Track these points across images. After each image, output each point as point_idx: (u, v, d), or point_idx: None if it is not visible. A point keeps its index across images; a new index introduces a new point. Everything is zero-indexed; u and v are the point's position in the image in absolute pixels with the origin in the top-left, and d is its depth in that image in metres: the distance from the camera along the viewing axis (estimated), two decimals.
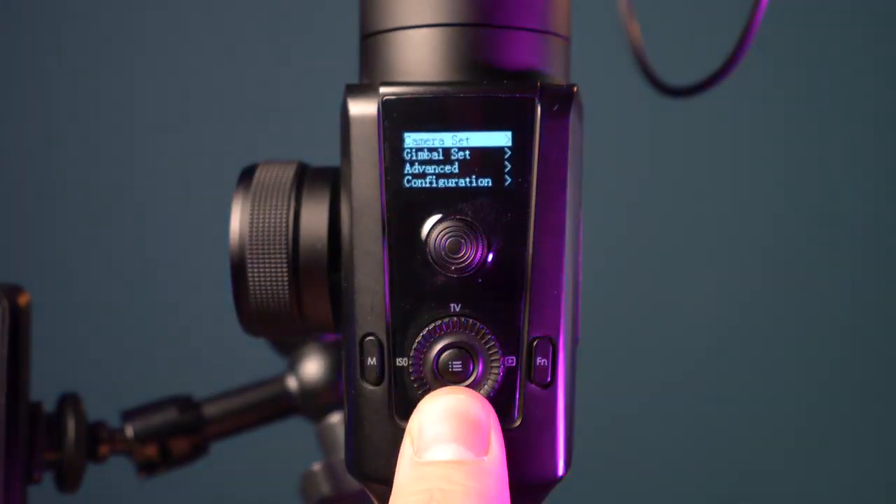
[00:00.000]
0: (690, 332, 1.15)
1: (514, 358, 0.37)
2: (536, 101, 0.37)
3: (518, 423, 0.37)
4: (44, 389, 0.51)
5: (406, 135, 0.37)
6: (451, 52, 0.38)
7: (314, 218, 0.39)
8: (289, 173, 0.40)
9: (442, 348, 0.36)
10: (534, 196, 0.36)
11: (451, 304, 0.37)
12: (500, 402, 0.36)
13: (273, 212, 0.39)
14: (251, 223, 0.39)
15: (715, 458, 1.16)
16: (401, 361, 0.37)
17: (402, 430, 0.37)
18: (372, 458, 0.37)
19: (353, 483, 0.54)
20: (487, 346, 0.36)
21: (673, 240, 1.16)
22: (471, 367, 0.36)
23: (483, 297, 0.37)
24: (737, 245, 1.16)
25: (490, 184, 0.37)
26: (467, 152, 0.37)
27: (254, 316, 0.40)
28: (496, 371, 0.36)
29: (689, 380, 1.15)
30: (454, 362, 0.36)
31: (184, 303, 1.10)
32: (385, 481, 0.37)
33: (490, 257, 0.36)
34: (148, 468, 0.54)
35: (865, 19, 1.16)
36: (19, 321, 0.47)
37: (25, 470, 0.48)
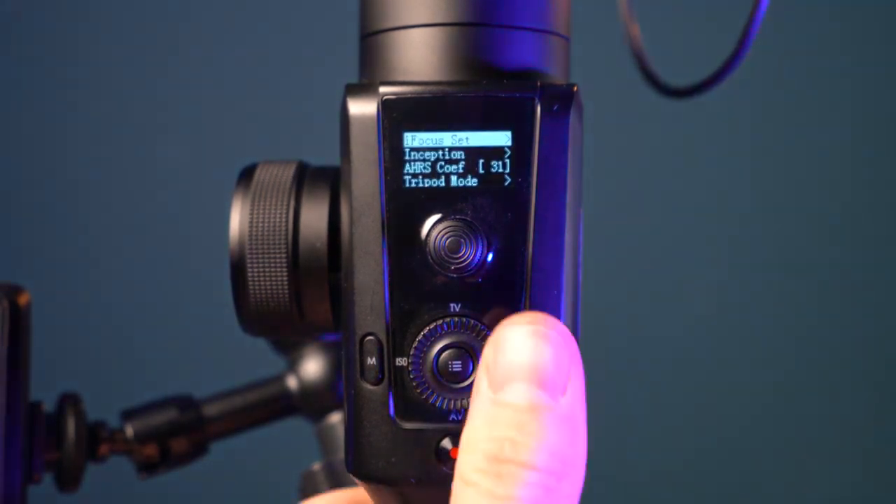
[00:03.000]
0: (691, 332, 1.15)
1: None
2: (536, 100, 0.37)
3: None
4: (44, 389, 0.51)
5: (406, 134, 0.37)
6: (450, 51, 0.38)
7: (314, 218, 0.39)
8: (288, 173, 0.40)
9: (441, 348, 0.36)
10: (534, 196, 0.36)
11: (451, 304, 0.37)
12: None
13: (273, 211, 0.39)
14: (251, 223, 0.39)
15: (715, 457, 1.16)
16: (400, 361, 0.37)
17: (402, 430, 0.37)
18: (372, 458, 0.37)
19: (352, 483, 0.54)
20: None
21: (673, 240, 1.16)
22: (470, 367, 0.36)
23: (483, 297, 0.36)
24: (737, 245, 1.16)
25: (490, 184, 0.37)
26: (467, 152, 0.37)
27: (253, 316, 0.40)
28: None
29: (690, 380, 1.15)
30: (454, 362, 0.36)
31: (184, 303, 1.10)
32: (385, 481, 0.37)
33: (490, 257, 0.36)
34: (148, 468, 0.54)
35: (867, 19, 1.16)
36: (19, 321, 0.47)
37: (25, 470, 0.48)
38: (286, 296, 0.39)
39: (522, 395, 0.33)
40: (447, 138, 0.37)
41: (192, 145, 1.12)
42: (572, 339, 0.34)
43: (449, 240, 0.36)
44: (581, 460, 0.34)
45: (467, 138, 0.37)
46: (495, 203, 0.36)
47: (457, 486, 0.33)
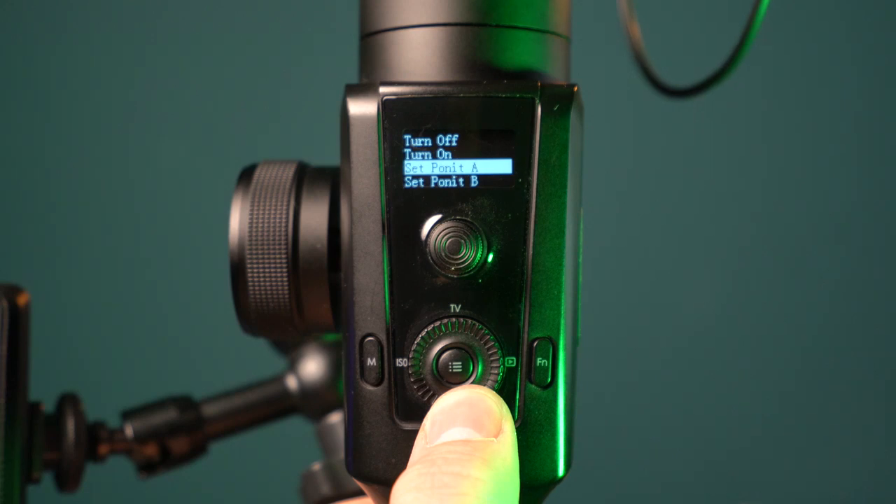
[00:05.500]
0: (690, 332, 1.15)
1: (514, 358, 0.37)
2: (537, 100, 0.36)
3: (518, 423, 0.36)
4: (44, 389, 0.51)
5: (406, 135, 0.37)
6: (450, 51, 0.38)
7: (314, 218, 0.39)
8: (288, 173, 0.40)
9: (442, 349, 0.36)
10: (534, 196, 0.36)
11: (451, 305, 0.37)
12: None
13: (273, 211, 0.39)
14: (251, 223, 0.39)
15: (715, 457, 1.16)
16: (401, 362, 0.37)
17: (402, 431, 0.37)
18: (372, 459, 0.37)
19: (353, 483, 0.54)
20: (487, 347, 0.36)
21: (673, 239, 1.16)
22: (471, 368, 0.36)
23: (483, 297, 0.36)
24: (736, 245, 1.16)
25: (490, 184, 0.37)
26: (467, 152, 0.37)
27: (253, 316, 0.40)
28: (496, 372, 0.36)
29: (689, 379, 1.15)
30: (454, 363, 0.36)
31: (184, 303, 1.10)
32: (385, 482, 0.37)
33: (490, 258, 0.36)
34: (148, 468, 0.54)
35: (867, 20, 1.16)
36: (19, 321, 0.47)
37: (25, 470, 0.48)
38: (286, 296, 0.39)
39: (457, 434, 0.34)
40: (447, 139, 0.37)
41: (193, 145, 1.12)
42: (502, 400, 0.35)
43: (449, 240, 0.36)
44: (514, 495, 0.34)
45: (467, 139, 0.37)
46: (495, 203, 0.36)
47: None
